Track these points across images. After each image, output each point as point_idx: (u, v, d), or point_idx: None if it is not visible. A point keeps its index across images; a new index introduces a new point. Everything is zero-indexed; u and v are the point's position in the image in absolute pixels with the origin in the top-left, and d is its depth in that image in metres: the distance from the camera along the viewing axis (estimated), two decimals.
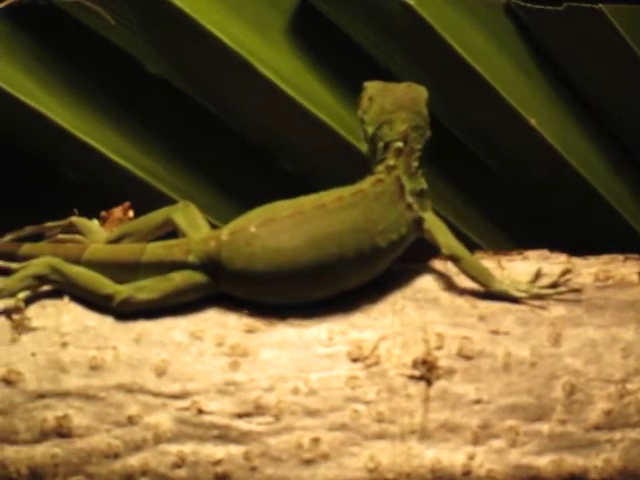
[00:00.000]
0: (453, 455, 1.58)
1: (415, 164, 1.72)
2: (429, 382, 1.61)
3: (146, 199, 2.05)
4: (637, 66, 2.11)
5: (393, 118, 1.72)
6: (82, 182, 2.14)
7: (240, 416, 1.59)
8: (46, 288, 1.67)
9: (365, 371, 1.61)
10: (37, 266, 1.66)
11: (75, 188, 2.14)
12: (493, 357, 1.63)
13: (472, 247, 1.76)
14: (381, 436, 1.58)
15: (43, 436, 1.58)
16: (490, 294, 1.68)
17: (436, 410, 1.60)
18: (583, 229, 2.26)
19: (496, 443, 1.59)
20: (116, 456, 1.57)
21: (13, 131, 2.07)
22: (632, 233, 2.26)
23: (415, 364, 1.61)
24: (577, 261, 1.75)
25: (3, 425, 1.58)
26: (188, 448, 1.58)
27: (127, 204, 1.88)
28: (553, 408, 1.60)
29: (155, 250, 1.67)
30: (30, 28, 2.03)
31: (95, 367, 1.61)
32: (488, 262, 1.72)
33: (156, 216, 1.76)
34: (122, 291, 1.64)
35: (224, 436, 1.58)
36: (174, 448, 1.58)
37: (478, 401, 1.60)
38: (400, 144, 1.71)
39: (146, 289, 1.64)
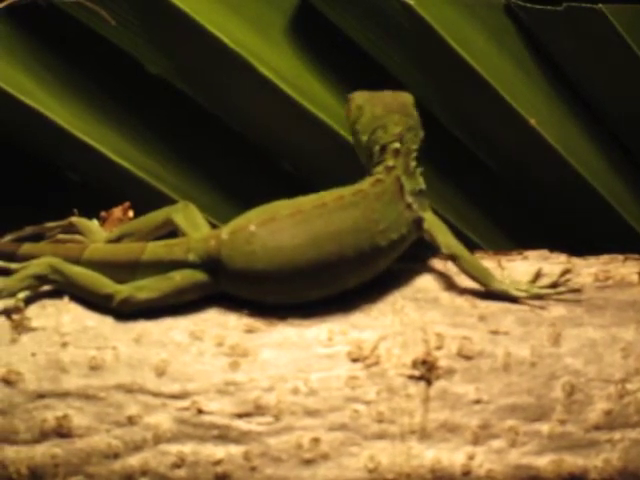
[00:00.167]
0: (453, 455, 1.58)
1: (413, 164, 1.72)
2: (429, 382, 1.61)
3: (146, 199, 2.05)
4: (637, 66, 2.11)
5: (386, 122, 1.73)
6: (82, 182, 2.14)
7: (240, 416, 1.59)
8: (46, 288, 1.67)
9: (365, 371, 1.61)
10: (37, 266, 1.66)
11: (75, 188, 2.15)
12: (493, 357, 1.63)
13: (472, 247, 1.76)
14: (381, 436, 1.58)
15: (43, 436, 1.58)
16: (490, 294, 1.68)
17: (436, 410, 1.60)
18: (583, 229, 2.26)
19: (496, 443, 1.59)
20: (116, 456, 1.57)
21: (13, 131, 2.07)
22: (632, 233, 2.26)
23: (415, 364, 1.61)
24: (577, 261, 1.76)
25: (3, 425, 1.58)
26: (188, 448, 1.58)
27: (127, 204, 1.88)
28: (553, 408, 1.60)
29: (155, 249, 1.67)
30: (30, 28, 2.03)
31: (95, 367, 1.61)
32: (488, 262, 1.72)
33: (156, 216, 1.76)
34: (122, 291, 1.64)
35: (224, 436, 1.58)
36: (174, 448, 1.58)
37: (478, 401, 1.60)
38: (397, 145, 1.72)
39: (146, 288, 1.64)
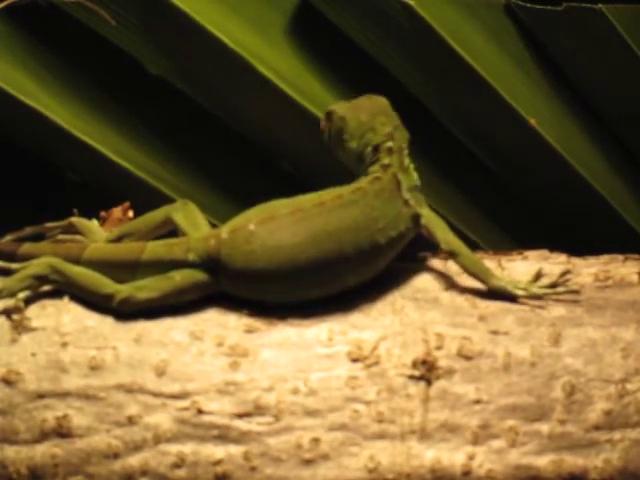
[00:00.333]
0: (453, 455, 1.58)
1: (406, 160, 1.73)
2: (429, 382, 1.61)
3: (146, 199, 2.05)
4: (637, 66, 2.11)
5: (373, 125, 1.74)
6: (82, 182, 2.14)
7: (240, 416, 1.58)
8: (46, 288, 1.67)
9: (365, 371, 1.61)
10: (37, 266, 1.66)
11: (75, 188, 2.14)
12: (493, 357, 1.63)
13: (472, 247, 1.76)
14: (381, 436, 1.58)
15: (43, 436, 1.58)
16: (490, 294, 1.68)
17: (436, 410, 1.59)
18: (583, 229, 2.26)
19: (496, 443, 1.59)
20: (116, 456, 1.57)
21: (13, 131, 2.07)
22: (632, 233, 2.26)
23: (415, 364, 1.61)
24: (577, 261, 1.75)
25: (3, 425, 1.58)
26: (188, 448, 1.57)
27: (127, 204, 1.88)
28: (553, 408, 1.60)
29: (155, 249, 1.67)
30: (30, 28, 2.03)
31: (95, 367, 1.61)
32: (488, 262, 1.72)
33: (156, 215, 1.76)
34: (122, 290, 1.64)
35: (224, 436, 1.58)
36: (174, 448, 1.58)
37: (478, 401, 1.60)
38: (390, 143, 1.73)
39: (146, 288, 1.64)
